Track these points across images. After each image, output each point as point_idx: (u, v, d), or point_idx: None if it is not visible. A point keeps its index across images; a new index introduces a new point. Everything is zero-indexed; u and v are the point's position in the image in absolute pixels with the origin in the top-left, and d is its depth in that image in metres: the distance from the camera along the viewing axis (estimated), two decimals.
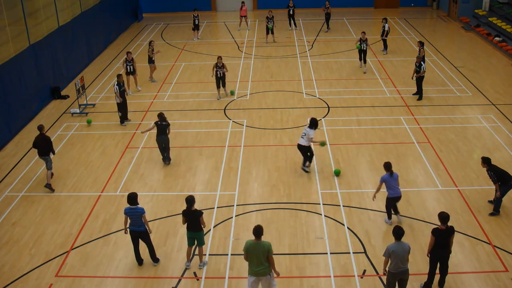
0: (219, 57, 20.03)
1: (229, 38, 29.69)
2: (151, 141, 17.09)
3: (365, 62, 23.07)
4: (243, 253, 9.72)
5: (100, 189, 14.49)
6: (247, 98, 20.54)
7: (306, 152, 14.73)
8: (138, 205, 11.02)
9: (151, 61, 22.27)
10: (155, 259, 11.46)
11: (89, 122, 18.69)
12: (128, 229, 11.23)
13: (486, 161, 12.50)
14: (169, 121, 15.45)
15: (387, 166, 12.11)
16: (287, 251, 11.71)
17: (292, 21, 30.62)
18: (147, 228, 11.14)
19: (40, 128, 14.63)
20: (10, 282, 11.09)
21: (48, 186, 14.44)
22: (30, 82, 19.30)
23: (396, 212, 12.60)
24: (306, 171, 14.87)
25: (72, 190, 14.53)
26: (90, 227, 12.85)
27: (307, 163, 14.89)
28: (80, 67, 24.33)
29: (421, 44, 21.38)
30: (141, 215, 10.95)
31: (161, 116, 15.26)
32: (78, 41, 24.28)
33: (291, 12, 30.19)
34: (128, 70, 20.92)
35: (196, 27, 29.04)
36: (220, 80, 20.22)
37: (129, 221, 11.10)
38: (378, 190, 12.33)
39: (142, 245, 11.42)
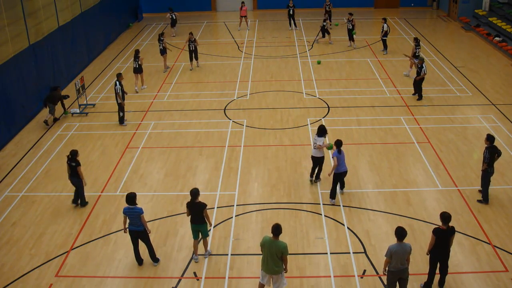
0: (191, 33, 23.43)
1: (229, 38, 29.70)
2: (151, 141, 17.11)
3: (352, 40, 26.57)
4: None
5: (100, 189, 14.49)
6: (247, 98, 20.54)
7: (317, 164, 14.15)
8: (136, 205, 11.02)
9: (164, 51, 23.40)
10: (155, 259, 11.47)
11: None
12: (127, 229, 11.25)
13: (490, 139, 12.90)
14: (80, 162, 13.26)
15: (338, 143, 13.12)
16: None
17: (292, 21, 30.65)
18: (146, 228, 11.15)
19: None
20: (10, 282, 11.09)
21: (45, 122, 18.41)
22: (30, 82, 19.30)
23: (342, 187, 13.76)
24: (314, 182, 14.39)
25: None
26: (90, 227, 12.85)
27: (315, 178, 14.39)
28: (80, 67, 24.33)
29: (416, 40, 21.78)
30: (139, 215, 10.95)
31: (71, 153, 13.15)
32: (78, 41, 24.28)
33: (291, 12, 30.22)
34: (135, 66, 21.23)
35: (173, 23, 29.87)
36: (193, 53, 23.77)
37: (128, 220, 11.12)
38: (334, 167, 13.00)
39: (142, 246, 11.42)
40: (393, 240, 9.70)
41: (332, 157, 13.12)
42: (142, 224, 11.06)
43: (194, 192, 10.91)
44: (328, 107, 19.36)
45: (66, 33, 22.90)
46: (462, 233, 12.08)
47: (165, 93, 21.33)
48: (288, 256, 11.40)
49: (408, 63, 23.17)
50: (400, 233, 9.44)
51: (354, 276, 10.93)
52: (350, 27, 26.08)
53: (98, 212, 13.47)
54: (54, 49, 21.49)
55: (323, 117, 18.41)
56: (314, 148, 13.84)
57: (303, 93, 20.89)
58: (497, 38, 26.54)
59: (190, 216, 11.14)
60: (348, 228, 12.42)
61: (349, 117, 18.46)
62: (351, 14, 26.32)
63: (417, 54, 22.03)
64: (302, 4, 34.97)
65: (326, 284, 10.74)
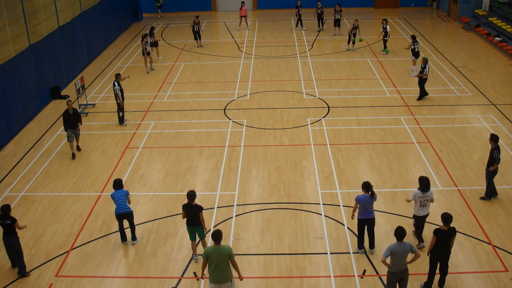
0: (197, 16, 27.49)
1: (229, 38, 29.70)
2: (151, 141, 17.11)
3: (353, 43, 26.86)
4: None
5: (100, 189, 14.49)
6: (247, 98, 20.54)
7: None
8: (122, 189, 11.98)
9: (145, 52, 23.29)
10: (134, 238, 12.21)
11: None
12: (115, 214, 12.00)
13: (494, 139, 12.89)
14: (15, 218, 11.09)
15: (366, 186, 11.06)
16: (287, 251, 11.71)
17: (299, 22, 30.62)
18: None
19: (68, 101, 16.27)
20: (10, 282, 11.09)
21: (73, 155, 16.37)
22: (30, 82, 19.30)
23: (371, 245, 11.54)
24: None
25: (72, 190, 14.53)
26: (90, 227, 12.85)
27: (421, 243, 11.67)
28: (80, 67, 24.33)
29: (413, 38, 22.35)
30: (126, 195, 11.90)
31: (2, 210, 10.96)
32: (78, 41, 24.27)
33: (300, 12, 30.26)
34: (152, 41, 23.73)
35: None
36: (197, 34, 27.29)
37: (115, 206, 11.88)
38: (354, 210, 11.32)
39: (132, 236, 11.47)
40: (393, 240, 9.70)
41: (355, 200, 11.27)
42: (128, 206, 11.85)
43: (191, 195, 10.92)
44: (328, 107, 19.36)
45: (66, 33, 22.89)
46: (462, 233, 12.08)
47: (165, 93, 21.33)
48: (288, 256, 11.48)
49: (410, 62, 23.17)
50: (400, 233, 9.45)
51: (354, 276, 10.93)
52: (355, 32, 25.83)
53: (98, 212, 13.47)
54: (54, 49, 21.49)
55: (323, 117, 18.42)
56: (424, 206, 11.28)
57: (303, 93, 20.89)
58: (497, 38, 26.54)
59: (186, 218, 11.15)
60: (348, 228, 12.41)
61: (349, 117, 18.46)
62: (357, 20, 26.06)
63: (416, 51, 22.18)
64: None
65: (326, 284, 10.74)
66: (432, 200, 11.34)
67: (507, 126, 17.47)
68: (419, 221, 11.48)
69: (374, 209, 11.56)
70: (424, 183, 11.07)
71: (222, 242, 9.44)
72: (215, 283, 9.50)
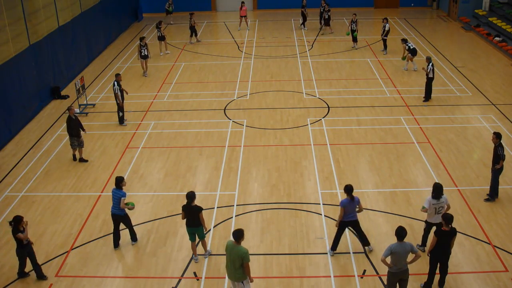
0: (192, 13, 28.04)
1: (229, 38, 29.70)
2: (151, 141, 17.11)
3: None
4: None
5: (100, 189, 14.49)
6: (247, 98, 20.54)
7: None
8: (121, 189, 11.66)
9: (142, 56, 23.10)
10: (134, 239, 12.05)
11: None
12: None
13: (499, 137, 12.89)
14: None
15: (349, 189, 11.03)
16: (287, 251, 11.71)
17: (304, 22, 30.65)
18: (127, 212, 11.80)
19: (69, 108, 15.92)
20: (10, 282, 11.09)
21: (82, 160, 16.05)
22: (30, 82, 19.30)
23: (364, 243, 11.54)
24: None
25: (72, 190, 14.53)
26: (90, 227, 12.85)
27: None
28: (80, 67, 24.33)
29: (403, 41, 22.69)
30: (120, 198, 11.53)
31: (14, 220, 10.78)
32: (78, 41, 24.28)
33: (306, 12, 30.37)
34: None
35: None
36: (193, 31, 28.12)
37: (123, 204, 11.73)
38: (340, 217, 11.15)
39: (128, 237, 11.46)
40: (393, 240, 9.70)
41: (340, 206, 11.18)
42: (123, 209, 11.62)
43: (190, 196, 10.93)
44: (328, 107, 19.36)
45: (66, 33, 22.90)
46: (462, 233, 12.09)
47: (165, 93, 21.33)
48: (288, 256, 11.47)
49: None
50: (400, 233, 9.45)
51: (354, 276, 10.93)
52: (354, 28, 26.00)
53: (98, 212, 13.47)
54: (54, 49, 21.49)
55: (323, 117, 18.42)
56: (439, 213, 10.93)
57: (303, 93, 20.89)
58: (497, 38, 26.54)
59: (185, 219, 11.15)
60: (348, 228, 12.40)
61: (349, 117, 18.46)
62: (355, 14, 26.21)
63: (411, 48, 22.44)
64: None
65: (326, 284, 10.74)
66: (448, 207, 11.06)
67: (507, 126, 17.47)
68: (430, 227, 11.24)
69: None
70: (437, 190, 10.88)
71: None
72: (229, 278, 9.65)
